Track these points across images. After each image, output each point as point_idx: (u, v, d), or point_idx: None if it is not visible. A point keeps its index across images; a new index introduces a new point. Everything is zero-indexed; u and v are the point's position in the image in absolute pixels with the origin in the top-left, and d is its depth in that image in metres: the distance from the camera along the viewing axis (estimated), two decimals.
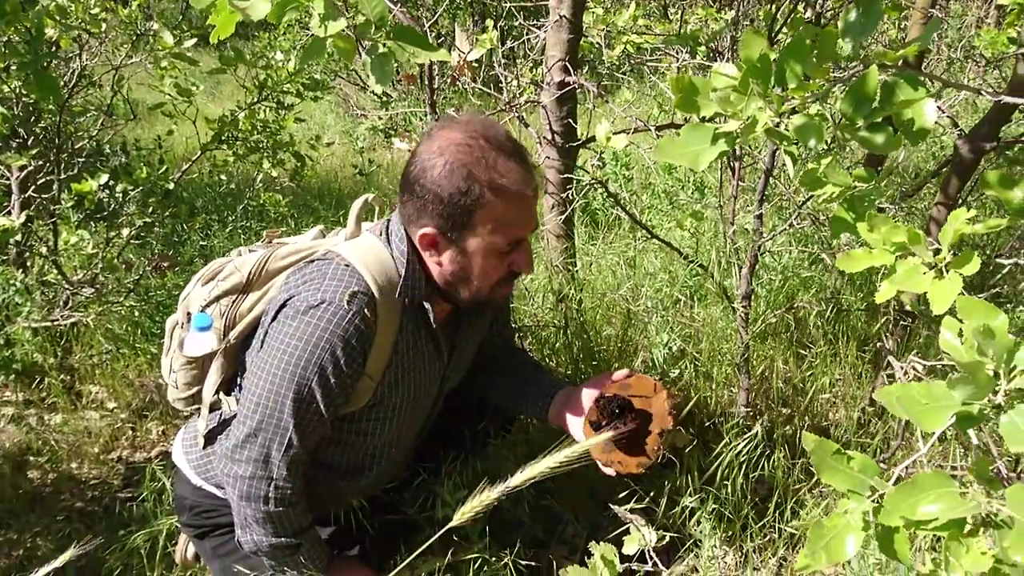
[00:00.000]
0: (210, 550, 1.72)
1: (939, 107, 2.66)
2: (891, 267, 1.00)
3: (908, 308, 1.77)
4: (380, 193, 4.49)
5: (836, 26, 1.08)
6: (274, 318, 1.46)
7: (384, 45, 1.13)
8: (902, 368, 1.18)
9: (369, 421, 1.58)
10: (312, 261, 1.52)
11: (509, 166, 1.38)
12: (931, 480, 0.84)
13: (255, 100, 3.02)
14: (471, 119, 1.43)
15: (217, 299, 1.57)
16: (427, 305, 1.50)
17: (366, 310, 1.41)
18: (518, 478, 1.11)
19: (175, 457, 1.72)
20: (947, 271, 0.93)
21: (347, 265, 1.45)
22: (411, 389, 1.59)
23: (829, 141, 1.01)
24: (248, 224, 3.73)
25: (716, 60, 2.68)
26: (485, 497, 1.26)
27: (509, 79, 2.35)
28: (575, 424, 1.64)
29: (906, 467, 0.97)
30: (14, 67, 2.25)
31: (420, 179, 1.39)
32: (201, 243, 3.48)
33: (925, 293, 0.95)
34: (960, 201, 1.78)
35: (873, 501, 0.92)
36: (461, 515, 1.30)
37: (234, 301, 1.56)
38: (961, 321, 0.84)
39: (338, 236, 1.63)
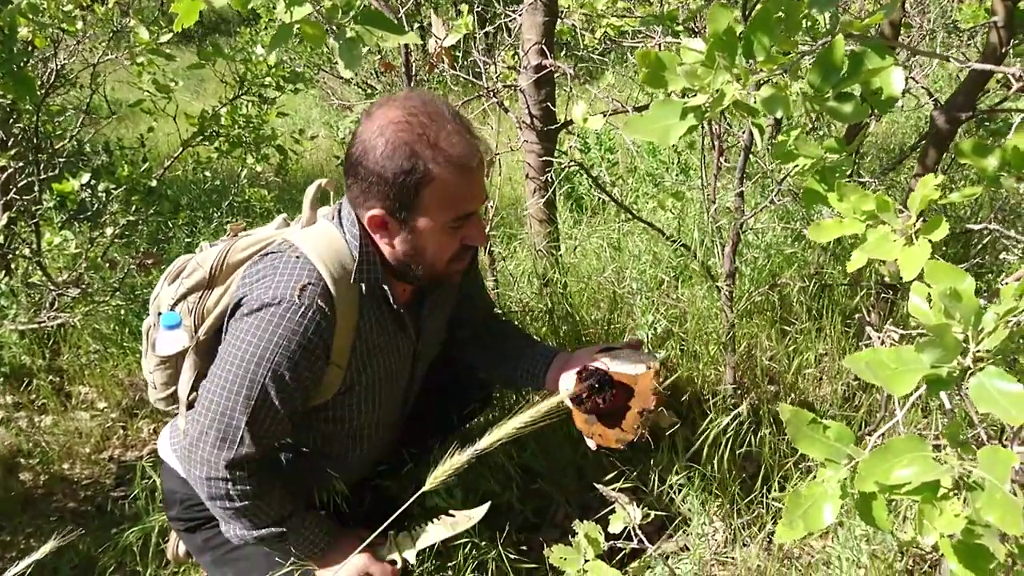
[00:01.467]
0: (201, 543, 1.72)
1: (912, 77, 2.66)
2: (862, 236, 1.00)
3: (888, 280, 1.78)
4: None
5: None
6: (229, 318, 1.46)
7: (352, 29, 1.12)
8: (879, 337, 1.19)
9: (343, 408, 1.58)
10: (267, 253, 1.50)
11: (452, 140, 1.35)
12: (905, 445, 0.84)
13: (236, 95, 3.01)
14: (409, 95, 1.40)
15: (184, 296, 1.56)
16: (385, 287, 1.49)
17: (319, 300, 1.39)
18: (487, 440, 1.12)
19: (162, 452, 1.72)
20: (916, 237, 0.93)
21: (298, 256, 1.43)
22: (380, 370, 1.58)
23: (802, 114, 1.01)
24: (234, 219, 3.72)
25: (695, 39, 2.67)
26: (456, 460, 1.27)
27: (488, 65, 2.34)
28: (563, 388, 1.64)
29: (882, 435, 0.97)
30: None
31: (362, 160, 1.36)
32: (187, 240, 3.47)
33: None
34: (938, 172, 1.78)
35: (850, 469, 0.92)
36: (433, 479, 1.31)
37: (200, 297, 1.55)
38: (929, 286, 0.85)
39: (296, 224, 1.61)
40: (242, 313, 1.42)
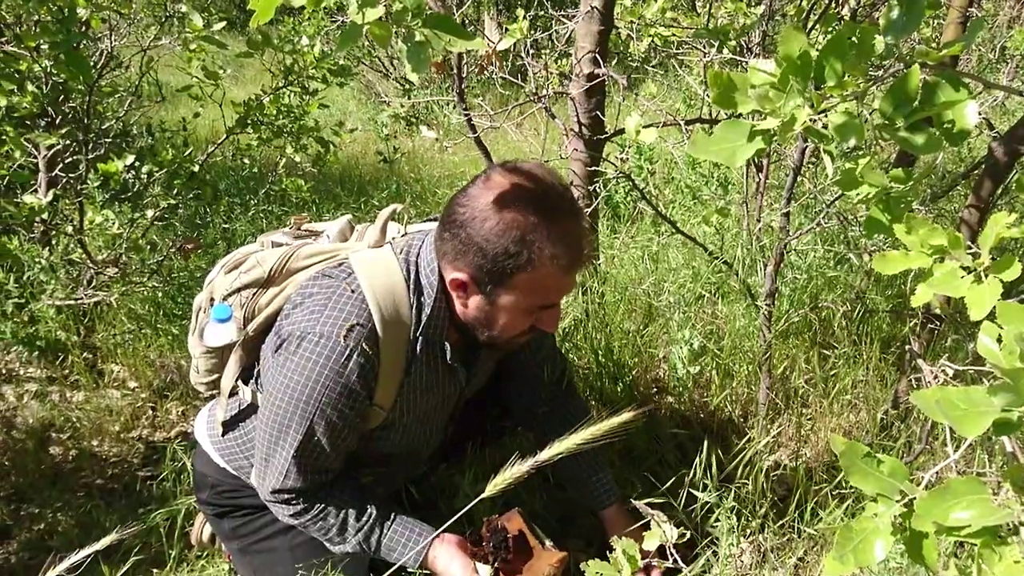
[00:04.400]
0: (229, 530, 1.73)
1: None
2: (927, 270, 0.99)
3: (937, 311, 1.75)
4: (401, 181, 4.49)
5: (871, 23, 1.06)
6: (278, 348, 1.45)
7: (420, 33, 1.12)
8: (932, 372, 1.17)
9: (378, 440, 1.59)
10: (326, 275, 1.49)
11: (567, 241, 1.31)
12: (963, 486, 0.83)
13: (281, 84, 3.03)
14: (534, 169, 1.35)
15: (238, 290, 1.57)
16: (446, 343, 1.48)
17: (364, 344, 1.38)
18: (547, 453, 1.13)
19: (198, 434, 1.74)
20: (986, 276, 0.92)
21: (353, 291, 1.41)
22: (425, 412, 1.58)
23: (874, 143, 1.00)
24: (270, 208, 3.74)
25: (744, 55, 2.66)
26: (516, 470, 1.28)
27: (536, 70, 2.33)
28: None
29: (936, 472, 0.96)
30: (45, 46, 2.26)
31: (468, 225, 1.32)
32: (224, 226, 3.50)
33: (955, 297, 0.94)
34: (992, 204, 1.76)
35: (902, 506, 0.91)
36: (493, 486, 1.32)
37: (254, 294, 1.56)
38: (1000, 327, 0.83)
39: (363, 239, 1.59)
40: (290, 348, 1.41)
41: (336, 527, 1.51)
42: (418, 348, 1.46)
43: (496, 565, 1.49)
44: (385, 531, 1.54)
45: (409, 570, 1.52)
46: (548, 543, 1.57)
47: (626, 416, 1.14)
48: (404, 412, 1.54)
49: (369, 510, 1.54)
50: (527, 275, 1.32)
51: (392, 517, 1.55)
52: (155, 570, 1.97)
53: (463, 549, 1.53)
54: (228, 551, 1.89)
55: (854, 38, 1.04)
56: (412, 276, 1.44)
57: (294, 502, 1.50)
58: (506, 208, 1.29)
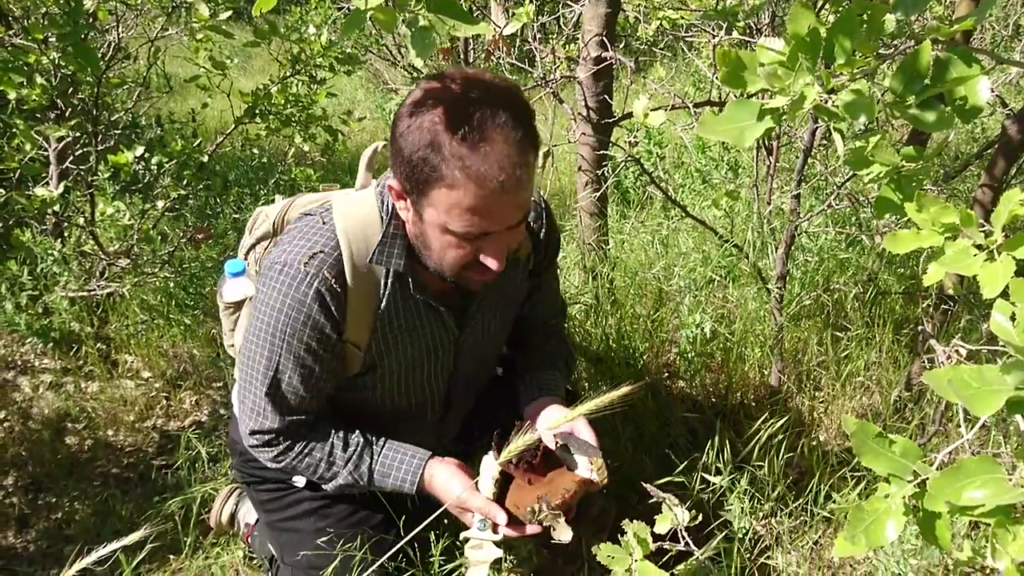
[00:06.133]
0: (257, 502, 1.73)
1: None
2: (939, 249, 0.97)
3: (950, 291, 1.74)
4: None
5: (881, 1, 1.05)
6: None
7: (424, 18, 1.11)
8: (945, 352, 1.16)
9: (366, 389, 1.53)
10: (307, 214, 1.44)
11: (485, 150, 1.17)
12: (977, 465, 0.82)
13: (288, 74, 3.03)
14: (475, 76, 1.24)
15: (252, 247, 1.59)
16: (408, 275, 1.39)
17: (326, 271, 1.33)
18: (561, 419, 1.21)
19: (233, 399, 1.72)
20: (999, 253, 0.90)
21: (325, 222, 1.37)
22: (408, 358, 1.50)
23: (885, 120, 0.99)
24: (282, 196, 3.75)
25: (753, 36, 2.63)
26: (529, 437, 1.27)
27: (544, 54, 2.32)
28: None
29: (949, 452, 0.95)
30: (53, 38, 2.27)
31: (396, 125, 1.24)
32: (234, 216, 3.51)
33: (967, 276, 0.93)
34: (1006, 183, 1.73)
35: (915, 486, 0.90)
36: (508, 453, 1.31)
37: (265, 248, 1.57)
38: (1014, 304, 0.82)
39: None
40: (260, 275, 1.39)
41: (323, 461, 1.48)
42: (388, 278, 1.40)
43: (520, 468, 1.41)
44: (376, 456, 1.49)
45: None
46: (582, 459, 1.46)
47: (625, 389, 1.13)
48: (384, 354, 1.46)
49: (356, 438, 1.49)
50: (443, 189, 1.20)
51: (382, 443, 1.50)
52: (171, 556, 1.99)
53: (463, 468, 1.48)
54: (249, 528, 1.91)
55: (864, 15, 1.03)
56: (385, 206, 1.39)
57: (275, 443, 1.47)
58: (423, 109, 1.19)
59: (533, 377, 1.65)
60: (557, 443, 1.45)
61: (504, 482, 1.44)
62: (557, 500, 1.34)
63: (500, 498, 1.42)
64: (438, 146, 1.17)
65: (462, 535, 1.45)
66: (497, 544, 1.42)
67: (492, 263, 1.28)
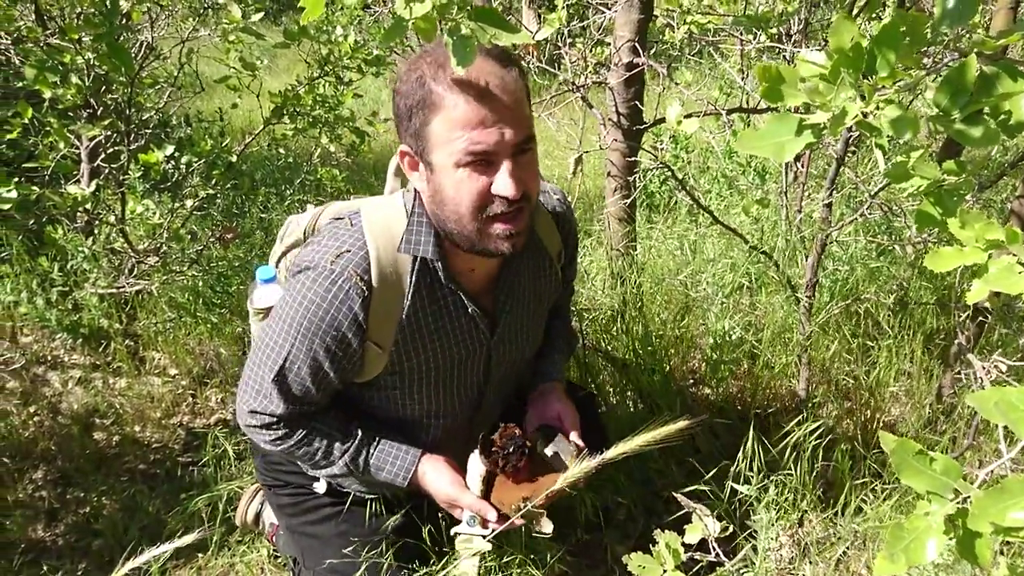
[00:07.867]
0: (277, 506, 1.74)
1: None
2: (983, 266, 0.96)
3: (986, 304, 1.72)
4: None
5: (919, 11, 1.04)
6: None
7: (466, 26, 1.12)
8: (984, 368, 1.15)
9: (391, 391, 1.53)
10: (337, 218, 1.47)
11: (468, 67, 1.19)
12: (1020, 486, 0.82)
13: (317, 75, 3.04)
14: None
15: (283, 254, 1.61)
16: (434, 260, 1.39)
17: (352, 268, 1.34)
18: (614, 451, 1.19)
19: None
20: None
21: (353, 224, 1.40)
22: (436, 359, 1.50)
23: (928, 135, 0.98)
24: (305, 198, 3.77)
25: (782, 43, 2.61)
26: (585, 465, 1.29)
27: (574, 59, 2.32)
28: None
29: (991, 471, 0.94)
30: (88, 38, 2.29)
31: (393, 99, 1.32)
32: (261, 215, 3.54)
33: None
34: None
35: (956, 505, 0.90)
36: (564, 480, 1.34)
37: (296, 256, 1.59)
38: None
39: None
40: (288, 276, 1.42)
41: (322, 450, 1.50)
42: (414, 276, 1.40)
43: (506, 470, 1.47)
44: (372, 450, 1.52)
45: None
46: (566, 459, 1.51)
47: (682, 424, 1.14)
48: (409, 356, 1.46)
49: (355, 432, 1.52)
50: (438, 117, 1.24)
51: (378, 439, 1.53)
52: (199, 554, 2.01)
53: (452, 466, 1.53)
54: (274, 527, 1.92)
55: (905, 28, 1.02)
56: (411, 205, 1.41)
57: (274, 427, 1.48)
58: (410, 72, 1.27)
59: (537, 363, 1.73)
60: (543, 446, 1.52)
61: (490, 478, 1.51)
62: (540, 501, 1.41)
63: (486, 494, 1.50)
64: (423, 82, 1.24)
65: (452, 530, 1.51)
66: (485, 538, 1.49)
67: (506, 188, 1.26)
